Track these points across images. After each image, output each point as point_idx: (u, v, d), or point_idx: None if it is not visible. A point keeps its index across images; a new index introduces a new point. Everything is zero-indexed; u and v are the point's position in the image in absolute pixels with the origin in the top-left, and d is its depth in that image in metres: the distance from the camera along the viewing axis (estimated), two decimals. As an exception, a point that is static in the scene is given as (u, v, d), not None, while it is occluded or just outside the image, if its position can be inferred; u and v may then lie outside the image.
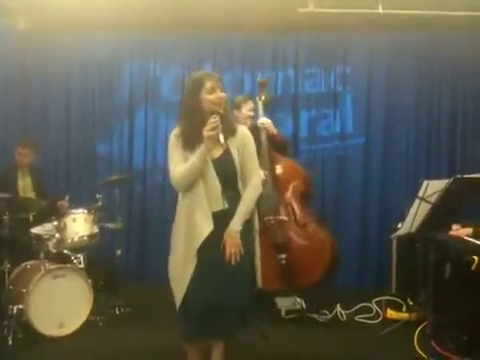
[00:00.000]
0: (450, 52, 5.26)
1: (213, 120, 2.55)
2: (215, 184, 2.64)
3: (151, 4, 4.74)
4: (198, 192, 2.64)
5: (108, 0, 4.68)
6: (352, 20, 4.89)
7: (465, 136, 5.29)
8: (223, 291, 2.64)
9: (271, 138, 4.33)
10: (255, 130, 4.26)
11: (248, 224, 2.79)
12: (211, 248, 2.63)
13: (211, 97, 2.64)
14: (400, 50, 5.34)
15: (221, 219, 2.65)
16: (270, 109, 4.47)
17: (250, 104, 4.37)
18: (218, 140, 2.56)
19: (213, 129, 2.54)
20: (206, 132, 2.56)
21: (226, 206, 2.67)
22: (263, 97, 4.32)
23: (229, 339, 2.84)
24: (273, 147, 4.34)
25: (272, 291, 4.25)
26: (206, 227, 2.63)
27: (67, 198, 4.46)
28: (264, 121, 4.30)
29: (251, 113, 4.35)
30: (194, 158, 2.60)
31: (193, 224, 2.64)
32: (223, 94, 2.68)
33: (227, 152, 2.74)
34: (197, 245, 2.62)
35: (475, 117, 5.29)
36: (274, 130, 4.36)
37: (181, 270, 2.67)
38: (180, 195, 2.76)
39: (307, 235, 4.19)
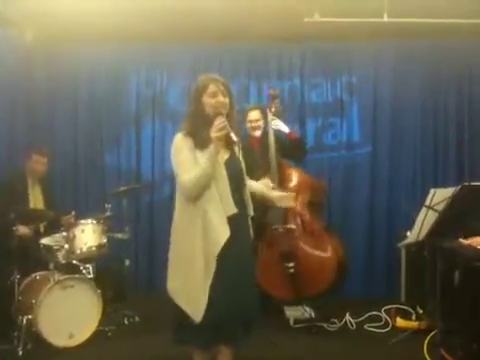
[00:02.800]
0: (456, 60, 5.28)
1: (219, 121, 2.55)
2: (226, 187, 2.61)
3: (157, 15, 4.77)
4: (212, 196, 2.59)
5: (115, 12, 4.71)
6: (357, 29, 4.91)
7: (472, 144, 5.28)
8: (239, 298, 2.63)
9: (284, 138, 4.33)
10: (264, 139, 4.29)
11: (251, 231, 2.82)
12: (227, 254, 2.59)
13: (212, 101, 2.65)
14: (406, 58, 5.36)
15: (234, 223, 2.61)
16: (281, 119, 4.45)
17: (252, 115, 4.39)
18: (230, 139, 2.55)
19: (220, 130, 2.54)
20: (214, 133, 2.54)
21: (236, 210, 2.64)
22: (273, 109, 4.28)
23: (240, 345, 2.79)
24: (286, 149, 4.32)
25: (281, 300, 4.26)
26: (224, 233, 2.57)
27: (73, 213, 4.44)
28: (275, 121, 4.28)
29: (252, 124, 4.38)
30: (203, 163, 2.56)
31: (209, 230, 2.57)
32: (223, 99, 2.67)
33: (234, 155, 2.76)
34: (217, 251, 2.56)
35: (482, 124, 5.30)
36: (286, 129, 4.35)
37: (201, 279, 2.58)
38: (182, 201, 2.67)
39: (315, 244, 4.19)
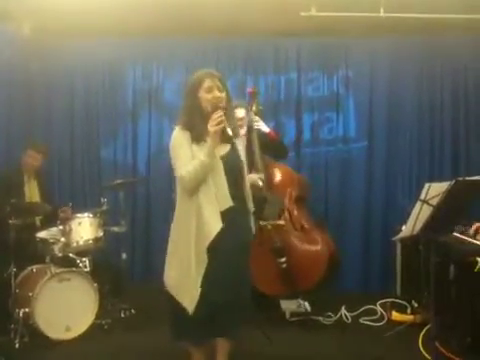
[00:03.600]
0: (452, 55, 5.28)
1: (217, 115, 2.56)
2: (223, 181, 2.63)
3: (154, 9, 4.76)
4: (208, 190, 2.62)
5: (112, 6, 4.70)
6: (354, 24, 4.91)
7: (468, 139, 5.30)
8: (232, 291, 2.66)
9: (265, 138, 4.31)
10: (248, 137, 4.28)
11: (250, 217, 2.84)
12: (220, 247, 2.62)
13: (208, 96, 2.67)
14: (402, 53, 5.37)
15: (229, 217, 2.64)
16: (273, 114, 4.46)
17: (239, 112, 4.29)
18: (226, 134, 2.56)
19: (218, 124, 2.55)
20: (211, 127, 2.56)
21: (232, 204, 2.66)
22: (254, 107, 4.27)
23: (235, 338, 2.83)
24: (267, 147, 4.31)
25: (275, 295, 4.28)
26: (215, 226, 2.61)
27: (70, 205, 4.45)
28: (257, 120, 4.28)
29: (238, 122, 4.32)
30: (202, 156, 2.59)
31: (202, 223, 2.61)
32: (220, 94, 2.68)
33: (234, 150, 2.76)
34: (207, 244, 2.60)
35: (477, 120, 5.31)
36: (265, 128, 4.36)
37: (194, 272, 2.62)
38: (180, 194, 2.71)
39: (305, 238, 4.20)
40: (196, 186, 2.62)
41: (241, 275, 2.73)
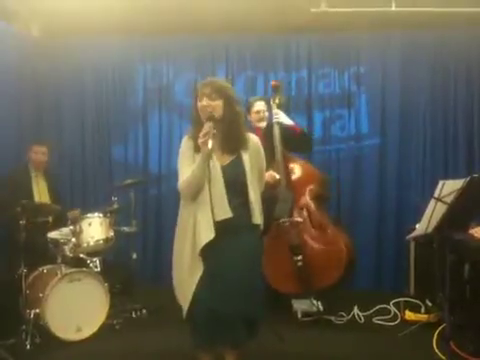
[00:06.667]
0: (464, 49, 5.21)
1: (205, 126, 2.57)
2: (221, 191, 2.63)
3: (163, 8, 4.77)
4: (203, 199, 2.63)
5: (120, 4, 4.71)
6: (365, 19, 4.87)
7: (483, 134, 5.21)
8: (228, 299, 2.63)
9: (289, 131, 4.29)
10: (269, 131, 4.26)
11: (258, 231, 2.80)
12: (216, 256, 2.63)
13: (199, 105, 2.68)
14: (414, 48, 5.30)
15: (226, 227, 2.62)
16: (285, 110, 4.44)
17: (258, 105, 4.34)
18: (207, 146, 2.54)
19: (204, 136, 2.54)
20: (199, 139, 2.56)
21: (230, 214, 2.64)
22: (276, 100, 4.29)
23: (239, 347, 2.81)
24: (290, 141, 4.28)
25: (289, 293, 4.25)
26: (206, 235, 2.61)
27: (79, 209, 4.39)
28: (277, 113, 4.26)
29: (260, 115, 4.33)
30: (194, 166, 2.62)
31: (196, 231, 2.64)
32: (208, 102, 2.65)
33: (237, 160, 2.73)
34: (198, 251, 2.63)
35: (492, 114, 5.22)
36: (289, 121, 4.34)
37: (187, 277, 2.67)
38: (182, 200, 2.77)
39: (323, 237, 4.16)
40: (192, 194, 2.67)
41: (245, 287, 2.68)
